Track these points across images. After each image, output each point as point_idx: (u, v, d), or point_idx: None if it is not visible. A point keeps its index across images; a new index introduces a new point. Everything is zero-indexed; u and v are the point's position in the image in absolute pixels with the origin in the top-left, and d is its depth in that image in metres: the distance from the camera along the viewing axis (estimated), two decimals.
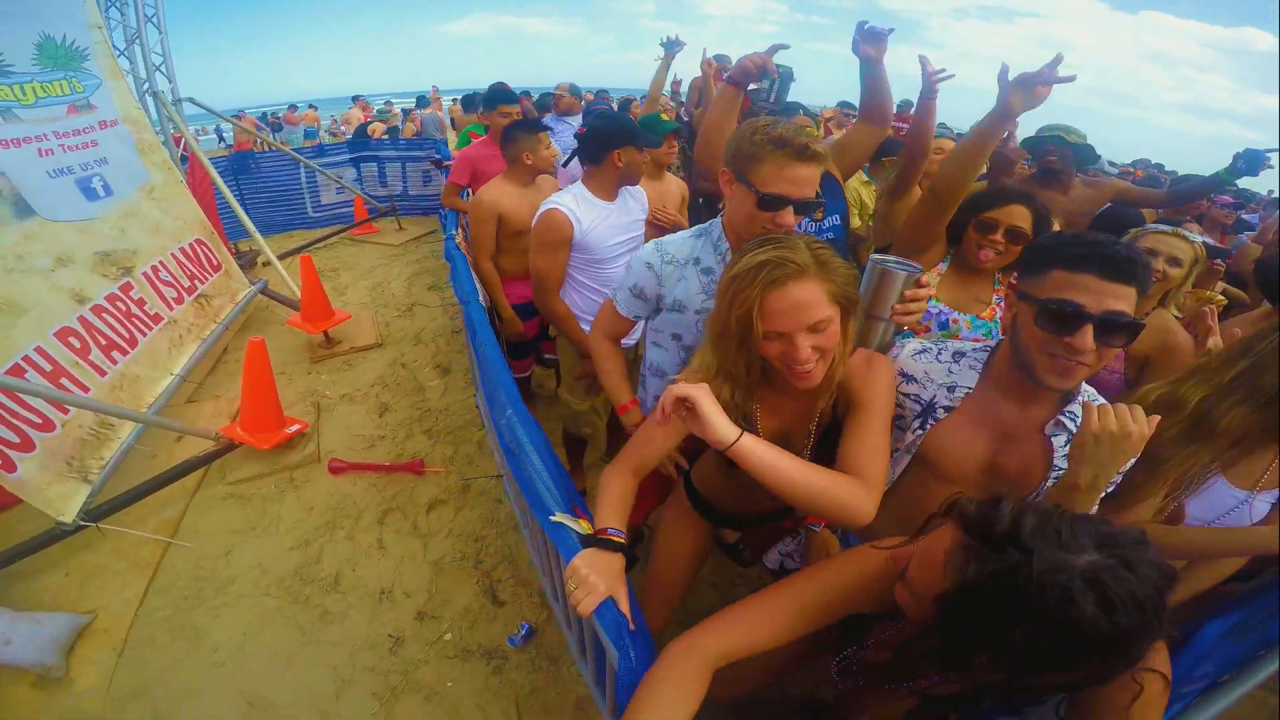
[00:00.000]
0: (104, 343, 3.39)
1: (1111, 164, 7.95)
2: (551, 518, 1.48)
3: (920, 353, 1.50)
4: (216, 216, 5.36)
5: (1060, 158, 3.08)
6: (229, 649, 2.45)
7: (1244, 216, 6.60)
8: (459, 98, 8.85)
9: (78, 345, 3.20)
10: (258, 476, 3.35)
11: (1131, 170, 8.52)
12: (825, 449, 1.43)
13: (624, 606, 1.27)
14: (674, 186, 3.14)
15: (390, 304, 5.68)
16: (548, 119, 5.18)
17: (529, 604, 2.68)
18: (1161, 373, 1.87)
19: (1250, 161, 2.93)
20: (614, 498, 1.43)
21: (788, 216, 1.51)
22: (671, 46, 4.03)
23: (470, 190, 4.09)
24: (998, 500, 0.90)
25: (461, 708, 2.30)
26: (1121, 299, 1.17)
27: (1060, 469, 1.31)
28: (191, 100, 6.22)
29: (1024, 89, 1.61)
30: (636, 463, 1.48)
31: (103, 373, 3.30)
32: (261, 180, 7.50)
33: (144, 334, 3.71)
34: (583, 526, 1.43)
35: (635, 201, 2.68)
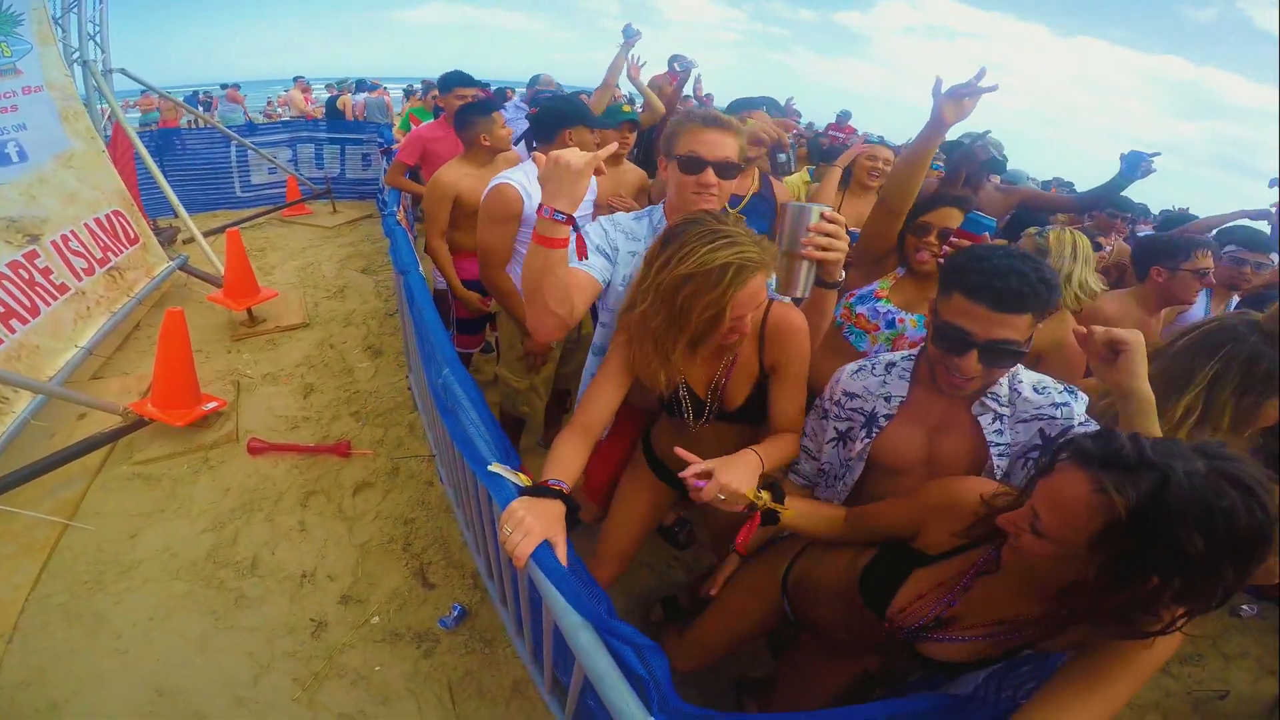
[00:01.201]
0: (1, 311, 3.15)
1: (1031, 179, 8.43)
2: (489, 467, 1.44)
3: (858, 371, 1.61)
4: (136, 191, 5.06)
5: (965, 160, 3.34)
6: (133, 636, 2.27)
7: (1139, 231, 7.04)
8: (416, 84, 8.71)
9: None
10: (168, 456, 3.13)
11: (1048, 186, 9.02)
12: (759, 399, 1.68)
13: (561, 552, 1.24)
14: (631, 175, 3.10)
15: (320, 285, 5.44)
16: (510, 105, 5.16)
17: (461, 585, 2.59)
18: (1054, 367, 1.97)
19: (1130, 163, 3.00)
20: (561, 456, 1.48)
21: (708, 176, 1.62)
22: (630, 33, 4.01)
23: (421, 170, 4.06)
24: (1107, 432, 0.96)
25: (390, 692, 2.20)
26: (1009, 327, 1.25)
27: (993, 443, 1.41)
28: (123, 72, 5.89)
29: (953, 100, 1.72)
30: (584, 422, 1.55)
31: None
32: (186, 159, 7.13)
33: (48, 304, 3.47)
34: (521, 479, 1.40)
35: None
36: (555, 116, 2.51)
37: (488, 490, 1.48)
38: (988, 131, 3.39)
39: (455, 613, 2.43)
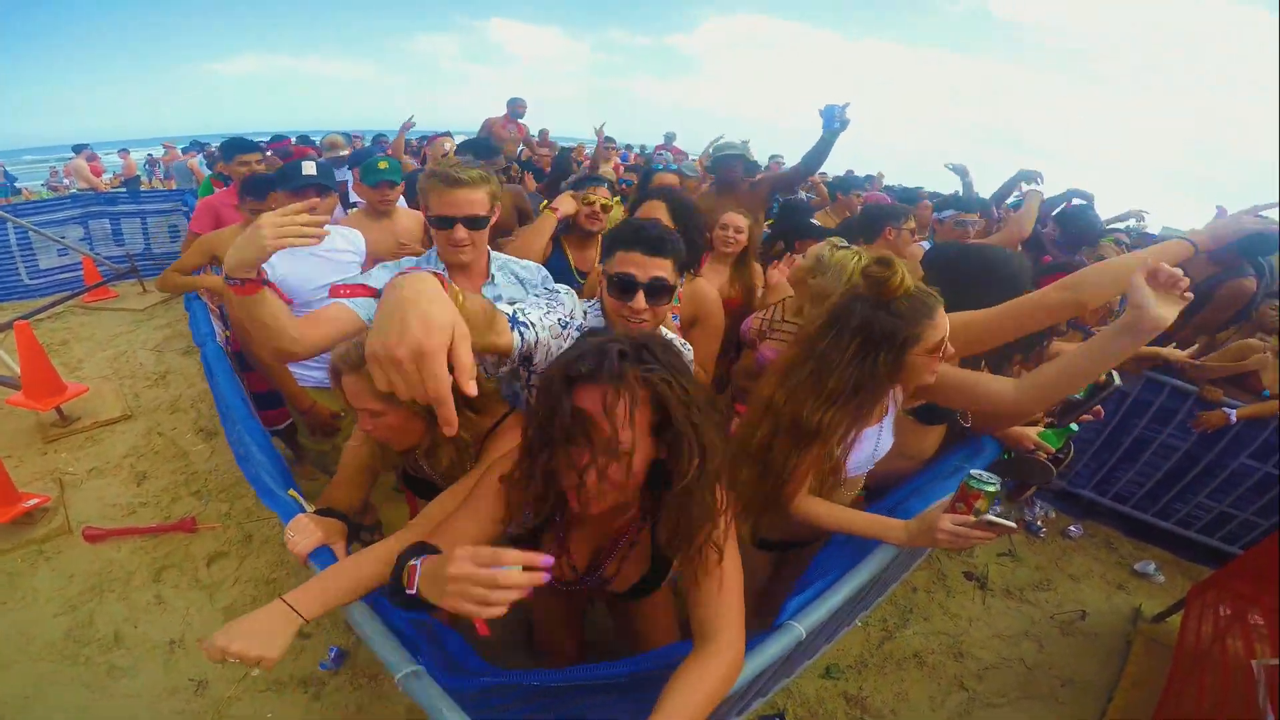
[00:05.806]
0: None
1: (772, 164, 8.69)
2: (287, 492, 1.69)
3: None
4: None
5: (727, 170, 3.83)
6: (11, 715, 2.27)
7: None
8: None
9: None
10: None
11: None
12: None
13: (340, 555, 1.51)
14: (405, 220, 3.21)
15: (138, 374, 5.16)
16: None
17: (335, 631, 2.77)
18: (700, 330, 2.38)
19: (827, 116, 3.37)
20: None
21: (459, 232, 1.80)
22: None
23: None
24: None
25: None
26: (661, 269, 1.57)
27: None
28: None
29: None
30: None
31: None
32: None
33: None
34: (308, 506, 1.67)
35: (345, 242, 2.74)
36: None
37: (277, 513, 1.66)
38: (746, 142, 3.87)
39: (333, 654, 2.60)
